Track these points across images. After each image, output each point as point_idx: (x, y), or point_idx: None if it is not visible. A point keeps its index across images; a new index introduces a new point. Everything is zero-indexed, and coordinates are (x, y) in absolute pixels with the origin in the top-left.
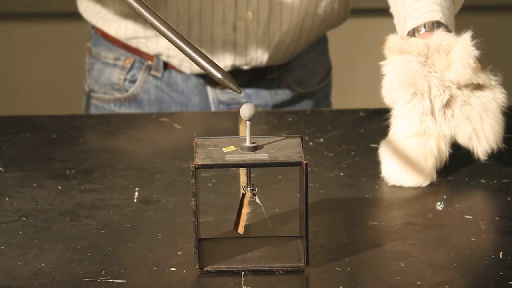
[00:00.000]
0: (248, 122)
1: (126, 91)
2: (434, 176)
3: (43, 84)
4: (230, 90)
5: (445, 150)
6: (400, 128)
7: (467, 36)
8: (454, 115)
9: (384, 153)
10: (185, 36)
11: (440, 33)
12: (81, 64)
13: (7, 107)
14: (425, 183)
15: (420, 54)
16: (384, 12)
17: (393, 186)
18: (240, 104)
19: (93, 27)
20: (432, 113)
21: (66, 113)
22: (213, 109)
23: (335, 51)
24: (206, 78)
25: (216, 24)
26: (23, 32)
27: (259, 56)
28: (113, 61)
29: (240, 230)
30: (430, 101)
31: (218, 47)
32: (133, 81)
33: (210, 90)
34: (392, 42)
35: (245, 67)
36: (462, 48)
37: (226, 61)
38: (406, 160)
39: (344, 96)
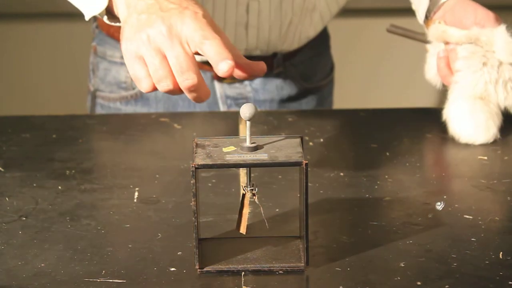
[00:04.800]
0: (248, 122)
1: (133, 89)
2: (498, 134)
3: (46, 84)
4: (237, 85)
5: (499, 121)
6: (465, 92)
7: (502, 27)
8: None
9: (452, 115)
10: None
11: (475, 28)
12: (83, 64)
13: (7, 107)
14: (491, 139)
15: (459, 44)
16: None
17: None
18: (247, 99)
19: (97, 26)
20: (496, 83)
21: (68, 113)
22: (220, 104)
23: (333, 51)
24: (214, 73)
25: (229, 5)
26: (25, 32)
27: (271, 40)
28: (120, 59)
29: (242, 230)
30: (497, 73)
31: (231, 30)
32: None
33: (217, 85)
34: (432, 31)
35: (257, 52)
36: (502, 38)
37: (238, 44)
38: (475, 119)
39: (342, 95)
